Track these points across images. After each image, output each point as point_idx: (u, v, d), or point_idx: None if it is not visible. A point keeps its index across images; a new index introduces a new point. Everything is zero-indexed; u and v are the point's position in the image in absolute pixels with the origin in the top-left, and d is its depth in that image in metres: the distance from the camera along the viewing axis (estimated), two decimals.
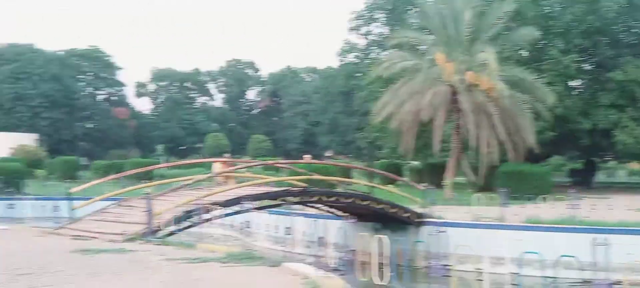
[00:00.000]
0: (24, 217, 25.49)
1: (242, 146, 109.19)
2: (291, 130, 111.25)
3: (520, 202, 30.95)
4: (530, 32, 40.73)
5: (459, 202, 30.23)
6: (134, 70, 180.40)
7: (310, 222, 25.17)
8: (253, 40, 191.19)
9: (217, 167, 30.13)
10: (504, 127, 38.81)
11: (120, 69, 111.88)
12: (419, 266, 25.99)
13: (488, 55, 37.16)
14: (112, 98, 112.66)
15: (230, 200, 21.80)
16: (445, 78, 39.20)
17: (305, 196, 24.95)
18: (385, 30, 59.08)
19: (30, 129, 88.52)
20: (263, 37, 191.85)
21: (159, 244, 16.56)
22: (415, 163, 57.89)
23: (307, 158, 28.29)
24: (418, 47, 44.88)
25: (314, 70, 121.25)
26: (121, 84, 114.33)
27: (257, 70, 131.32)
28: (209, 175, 27.70)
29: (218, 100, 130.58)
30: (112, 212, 21.37)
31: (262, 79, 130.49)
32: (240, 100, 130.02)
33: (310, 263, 13.40)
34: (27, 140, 70.72)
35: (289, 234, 14.73)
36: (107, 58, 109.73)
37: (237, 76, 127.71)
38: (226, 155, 44.90)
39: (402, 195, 30.48)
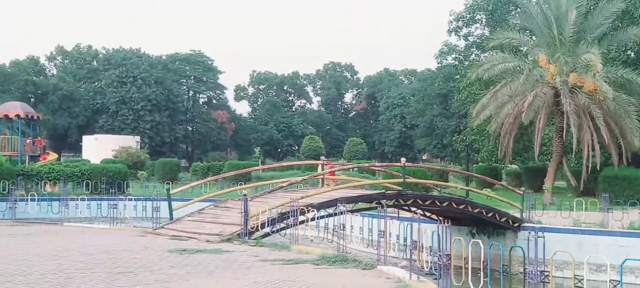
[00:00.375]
0: (126, 217, 26.29)
1: (338, 149, 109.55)
2: (387, 132, 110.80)
3: (623, 208, 29.84)
4: (638, 32, 39.18)
5: (559, 207, 29.39)
6: (234, 74, 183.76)
7: (405, 225, 24.98)
8: (351, 43, 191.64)
9: (322, 168, 30.37)
10: (607, 130, 37.48)
11: (220, 72, 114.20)
12: (515, 272, 25.45)
13: (593, 56, 35.92)
14: (212, 101, 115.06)
15: (324, 202, 21.86)
16: (547, 80, 38.22)
17: (400, 199, 24.80)
18: (486, 31, 58.12)
19: (133, 131, 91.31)
20: (361, 40, 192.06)
21: (254, 245, 16.76)
22: (514, 167, 56.74)
23: (402, 161, 28.06)
24: (519, 48, 43.93)
25: (412, 73, 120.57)
26: (221, 88, 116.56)
27: (355, 73, 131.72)
28: (313, 175, 27.83)
29: (315, 103, 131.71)
30: (209, 213, 21.80)
31: (359, 82, 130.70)
32: (337, 103, 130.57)
33: (404, 267, 13.25)
34: (130, 142, 72.77)
35: (383, 237, 14.61)
36: (208, 62, 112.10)
37: (335, 79, 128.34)
38: (322, 157, 45.11)
39: (500, 199, 29.92)
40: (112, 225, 22.80)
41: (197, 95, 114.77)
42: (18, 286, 11.00)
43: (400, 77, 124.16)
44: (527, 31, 44.43)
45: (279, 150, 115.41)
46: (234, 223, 19.09)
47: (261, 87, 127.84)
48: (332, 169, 31.54)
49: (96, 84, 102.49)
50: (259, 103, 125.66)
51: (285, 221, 19.56)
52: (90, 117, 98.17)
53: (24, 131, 54.08)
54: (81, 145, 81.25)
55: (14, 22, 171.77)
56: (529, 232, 22.32)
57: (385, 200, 23.86)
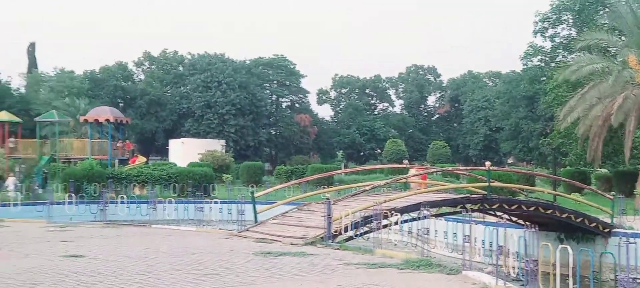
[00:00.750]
0: (212, 220, 26.75)
1: (421, 152, 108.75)
2: (471, 136, 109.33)
3: None
4: None
5: None
6: (317, 78, 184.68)
7: (490, 230, 24.59)
8: (434, 46, 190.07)
9: (412, 171, 30.24)
10: None
11: (303, 76, 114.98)
12: (605, 279, 24.71)
13: None
14: (295, 105, 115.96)
15: (408, 206, 21.72)
16: (637, 81, 37.03)
17: (485, 203, 24.44)
18: (572, 32, 56.78)
19: (218, 135, 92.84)
20: (444, 42, 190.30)
21: (338, 248, 16.76)
22: (604, 171, 55.17)
23: (487, 165, 27.63)
24: (608, 49, 42.69)
25: (496, 75, 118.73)
26: (304, 91, 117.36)
27: (437, 75, 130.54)
28: (399, 179, 27.69)
29: (397, 106, 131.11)
30: (293, 216, 21.93)
31: (442, 85, 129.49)
32: (420, 106, 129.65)
33: (489, 272, 13.04)
34: (215, 145, 74.09)
35: (468, 242, 14.41)
36: (291, 66, 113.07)
37: (417, 82, 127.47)
38: (405, 161, 44.85)
39: (589, 204, 29.14)
40: (198, 227, 23.20)
41: (280, 99, 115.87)
42: (109, 286, 11.31)
43: (485, 80, 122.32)
44: (616, 31, 43.13)
45: (362, 153, 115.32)
46: (317, 227, 19.16)
47: (343, 90, 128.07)
48: (423, 172, 31.39)
49: (182, 88, 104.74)
50: (341, 106, 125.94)
51: (368, 225, 19.52)
52: (176, 121, 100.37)
53: (113, 135, 55.66)
54: (168, 149, 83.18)
55: (103, 29, 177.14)
56: (620, 238, 21.66)
57: (469, 205, 23.56)
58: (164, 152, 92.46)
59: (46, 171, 45.87)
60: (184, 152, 70.35)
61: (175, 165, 52.54)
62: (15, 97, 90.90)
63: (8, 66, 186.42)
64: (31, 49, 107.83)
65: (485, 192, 24.74)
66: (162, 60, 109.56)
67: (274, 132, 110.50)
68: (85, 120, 52.95)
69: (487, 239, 19.41)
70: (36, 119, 57.58)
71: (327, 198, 19.65)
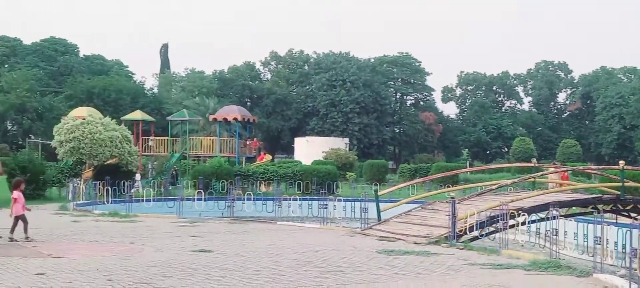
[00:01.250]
0: (335, 217, 26.87)
1: (550, 151, 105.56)
2: (604, 134, 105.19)
3: None
4: None
5: None
6: (442, 75, 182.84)
7: (624, 231, 23.57)
8: (565, 41, 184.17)
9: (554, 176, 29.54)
10: None
11: (428, 74, 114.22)
12: None
13: None
14: (420, 103, 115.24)
15: (536, 206, 21.16)
16: None
17: (619, 204, 23.57)
18: None
19: (342, 133, 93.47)
20: (576, 36, 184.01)
21: (462, 248, 16.51)
22: None
23: (621, 164, 26.52)
24: None
25: (631, 71, 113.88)
26: (429, 89, 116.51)
27: (569, 71, 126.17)
28: (528, 177, 27.00)
29: (526, 103, 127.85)
30: (417, 215, 21.77)
31: (573, 81, 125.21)
32: (550, 103, 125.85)
33: (622, 276, 12.46)
34: (339, 144, 74.58)
35: (599, 244, 13.82)
36: (415, 64, 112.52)
37: (547, 78, 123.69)
38: (533, 160, 43.70)
39: None
40: (322, 224, 23.38)
41: (405, 97, 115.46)
42: (236, 280, 11.58)
43: (619, 75, 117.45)
44: None
45: (488, 152, 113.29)
46: (441, 226, 18.94)
47: (469, 88, 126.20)
48: (561, 170, 30.62)
49: (307, 87, 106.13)
50: (467, 104, 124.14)
51: (494, 225, 19.12)
52: (301, 119, 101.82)
53: (241, 133, 57.05)
54: (293, 147, 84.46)
55: (240, 29, 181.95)
56: None
57: (601, 205, 22.74)
58: (289, 150, 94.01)
59: (177, 169, 47.53)
60: (309, 150, 71.18)
61: (300, 163, 53.22)
62: (148, 96, 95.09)
63: (142, 67, 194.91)
64: (164, 50, 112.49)
65: (619, 192, 23.83)
66: (288, 60, 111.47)
67: (397, 130, 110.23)
68: (214, 119, 54.62)
69: (619, 241, 18.58)
70: (168, 117, 59.89)
71: (452, 197, 19.41)
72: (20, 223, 16.72)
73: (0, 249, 15.01)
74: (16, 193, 17.04)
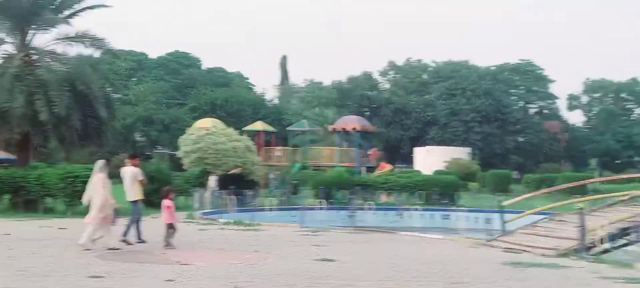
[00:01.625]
0: (458, 228, 26.48)
1: None
2: None
3: None
4: None
5: None
6: (567, 83, 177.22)
7: None
8: None
9: None
10: None
11: (551, 81, 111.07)
12: None
13: None
14: (543, 111, 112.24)
15: None
16: None
17: None
18: None
19: (463, 142, 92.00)
20: None
21: (593, 261, 15.90)
22: None
23: None
24: None
25: None
26: (553, 97, 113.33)
27: None
28: None
29: None
30: (543, 226, 21.11)
31: None
32: None
33: None
34: (461, 153, 73.56)
35: None
36: (539, 71, 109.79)
37: None
38: None
39: None
40: (444, 235, 23.08)
41: (528, 105, 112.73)
42: None
43: None
44: None
45: (618, 161, 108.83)
46: (569, 238, 18.27)
47: (596, 95, 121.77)
48: None
49: (426, 96, 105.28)
50: (593, 112, 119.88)
51: (626, 237, 18.32)
52: (421, 129, 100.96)
53: (360, 143, 57.20)
54: (413, 157, 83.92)
55: (350, 39, 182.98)
56: None
57: None
58: (409, 159, 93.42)
59: (296, 180, 48.02)
60: (429, 159, 70.57)
61: (421, 172, 52.79)
62: (269, 107, 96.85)
63: (263, 79, 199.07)
64: (283, 62, 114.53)
65: None
66: (407, 69, 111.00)
67: (521, 140, 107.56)
68: (334, 129, 55.05)
69: None
70: (288, 128, 60.81)
71: (580, 209, 18.72)
72: (169, 230, 17.51)
73: (132, 255, 15.65)
74: (167, 202, 17.85)
